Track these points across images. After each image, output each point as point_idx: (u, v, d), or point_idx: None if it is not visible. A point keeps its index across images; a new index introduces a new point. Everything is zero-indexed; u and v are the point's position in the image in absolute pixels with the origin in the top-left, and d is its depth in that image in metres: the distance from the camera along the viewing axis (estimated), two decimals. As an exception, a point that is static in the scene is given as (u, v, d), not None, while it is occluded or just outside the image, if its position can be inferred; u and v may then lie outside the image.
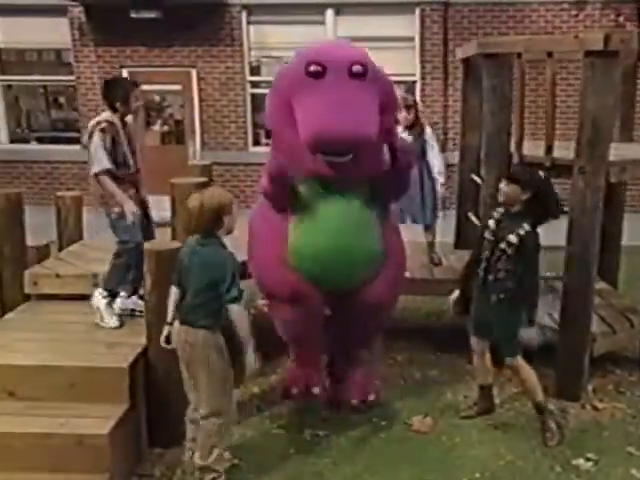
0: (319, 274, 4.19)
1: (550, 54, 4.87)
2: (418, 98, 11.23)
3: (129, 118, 4.84)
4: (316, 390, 4.54)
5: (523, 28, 11.26)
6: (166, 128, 12.24)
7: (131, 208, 4.67)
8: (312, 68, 3.72)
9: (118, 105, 4.73)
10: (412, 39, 11.41)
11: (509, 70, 5.22)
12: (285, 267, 4.20)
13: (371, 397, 4.69)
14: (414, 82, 11.48)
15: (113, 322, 4.72)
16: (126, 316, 4.81)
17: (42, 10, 11.45)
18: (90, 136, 4.67)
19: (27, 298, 5.22)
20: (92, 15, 11.43)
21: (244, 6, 11.39)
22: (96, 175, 4.64)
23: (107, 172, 4.63)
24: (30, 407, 3.95)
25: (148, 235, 4.93)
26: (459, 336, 5.58)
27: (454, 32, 11.33)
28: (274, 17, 11.50)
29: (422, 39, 11.37)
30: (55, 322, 4.77)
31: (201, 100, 11.76)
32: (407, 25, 11.40)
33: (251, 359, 3.66)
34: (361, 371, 4.71)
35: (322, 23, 11.42)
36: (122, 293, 4.87)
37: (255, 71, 11.85)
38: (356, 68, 3.75)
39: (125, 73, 11.58)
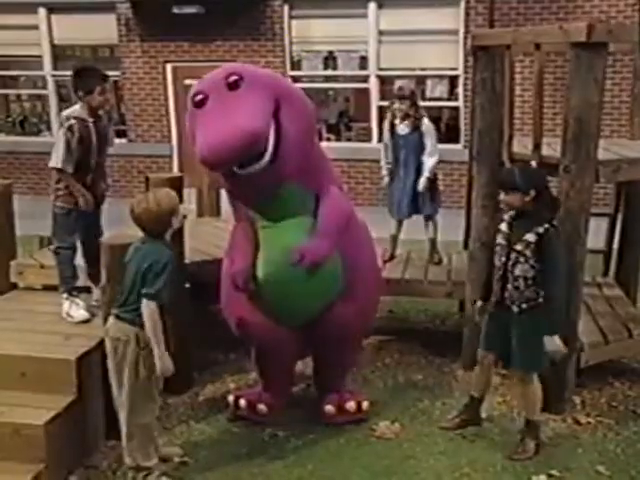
0: (276, 307, 4.20)
1: (537, 46, 4.60)
2: (461, 92, 10.98)
3: (102, 112, 4.71)
4: (262, 408, 4.46)
5: (575, 19, 10.68)
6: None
7: (87, 200, 4.64)
8: (197, 98, 3.87)
9: (81, 95, 4.57)
10: (456, 32, 11.06)
11: (500, 63, 4.96)
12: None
13: (365, 404, 4.58)
14: (457, 76, 11.15)
15: (79, 315, 4.65)
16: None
17: (92, 7, 11.77)
18: (60, 127, 4.62)
19: (15, 287, 5.36)
20: (138, 11, 11.63)
21: (285, 0, 11.34)
22: (52, 168, 4.62)
23: (59, 171, 4.57)
24: (-24, 395, 4.00)
25: (95, 233, 4.85)
26: (459, 340, 5.36)
27: (500, 24, 10.80)
28: (316, 11, 11.38)
29: (467, 32, 10.97)
30: (29, 312, 4.85)
31: (241, 95, 11.77)
32: (451, 18, 11.05)
33: (161, 360, 3.54)
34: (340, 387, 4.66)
35: (364, 17, 11.23)
36: (95, 289, 4.82)
37: (296, 66, 11.76)
38: (232, 78, 3.84)
39: (169, 68, 11.79)
